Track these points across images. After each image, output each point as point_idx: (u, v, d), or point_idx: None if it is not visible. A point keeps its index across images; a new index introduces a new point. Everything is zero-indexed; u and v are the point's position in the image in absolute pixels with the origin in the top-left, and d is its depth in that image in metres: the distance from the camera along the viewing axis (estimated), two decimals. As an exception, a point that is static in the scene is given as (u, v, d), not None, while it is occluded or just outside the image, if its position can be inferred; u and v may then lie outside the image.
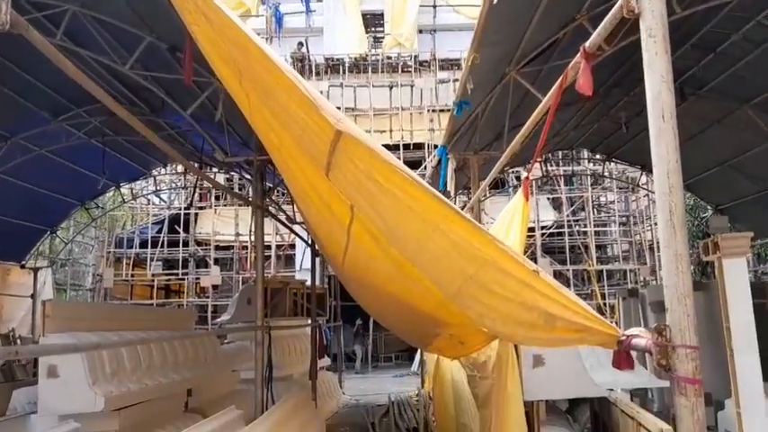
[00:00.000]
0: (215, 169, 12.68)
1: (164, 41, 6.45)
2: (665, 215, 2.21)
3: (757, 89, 8.64)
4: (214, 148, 7.69)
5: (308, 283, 10.87)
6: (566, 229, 19.38)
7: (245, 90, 3.48)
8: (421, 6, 19.02)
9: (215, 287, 19.56)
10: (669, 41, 2.47)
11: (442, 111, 17.82)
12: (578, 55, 3.05)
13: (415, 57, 19.04)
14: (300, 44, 18.30)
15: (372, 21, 19.96)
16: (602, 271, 19.38)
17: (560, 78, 3.23)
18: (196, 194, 19.87)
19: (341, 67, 18.62)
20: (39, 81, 8.27)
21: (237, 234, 19.51)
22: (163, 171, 16.13)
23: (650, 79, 2.46)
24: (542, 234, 19.24)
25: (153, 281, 20.25)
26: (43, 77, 8.13)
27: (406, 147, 17.88)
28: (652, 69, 2.45)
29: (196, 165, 10.37)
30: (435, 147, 17.36)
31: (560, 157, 16.27)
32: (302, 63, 18.03)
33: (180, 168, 15.76)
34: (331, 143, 2.88)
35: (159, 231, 20.33)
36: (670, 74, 2.47)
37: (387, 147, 18.36)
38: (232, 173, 13.74)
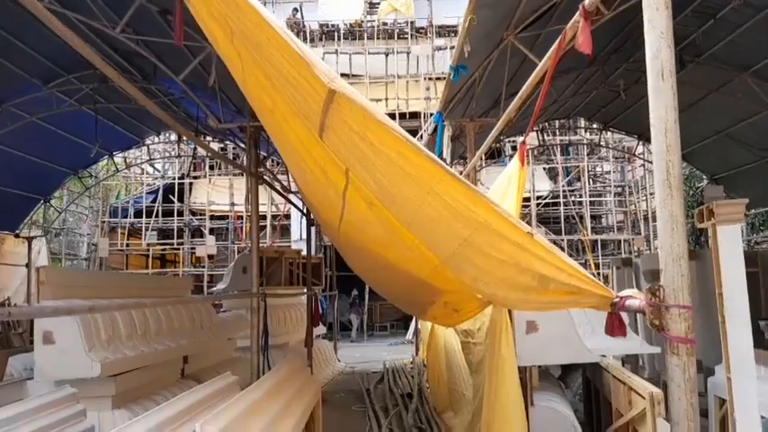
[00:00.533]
0: (209, 138, 12.55)
1: (154, 4, 6.31)
2: (662, 175, 2.19)
3: (757, 56, 8.55)
4: (207, 115, 7.59)
5: (304, 252, 10.89)
6: (561, 200, 19.41)
7: (237, 50, 3.39)
8: (418, -29, 18.65)
9: (210, 257, 19.59)
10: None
11: (438, 79, 17.59)
12: (577, 14, 2.98)
13: (412, 23, 18.74)
14: (295, 10, 17.98)
15: (368, -15, 19.59)
16: (596, 241, 19.49)
17: (558, 38, 3.16)
18: (190, 163, 19.74)
19: (336, 34, 18.33)
20: (28, 47, 8.11)
21: (232, 204, 19.46)
22: (156, 140, 15.97)
23: (650, 36, 2.40)
24: (538, 204, 19.26)
25: (148, 250, 20.25)
26: (33, 43, 7.97)
27: (402, 116, 17.72)
28: (652, 25, 2.39)
29: (191, 132, 10.25)
30: (431, 115, 17.25)
31: (557, 126, 16.17)
32: (297, 30, 17.72)
33: (173, 137, 15.61)
34: (324, 103, 2.81)
35: (154, 201, 20.25)
36: (670, 30, 2.42)
37: (382, 115, 18.09)
38: (226, 141, 13.62)
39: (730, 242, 5.23)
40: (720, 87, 9.58)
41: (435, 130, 8.00)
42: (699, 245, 15.69)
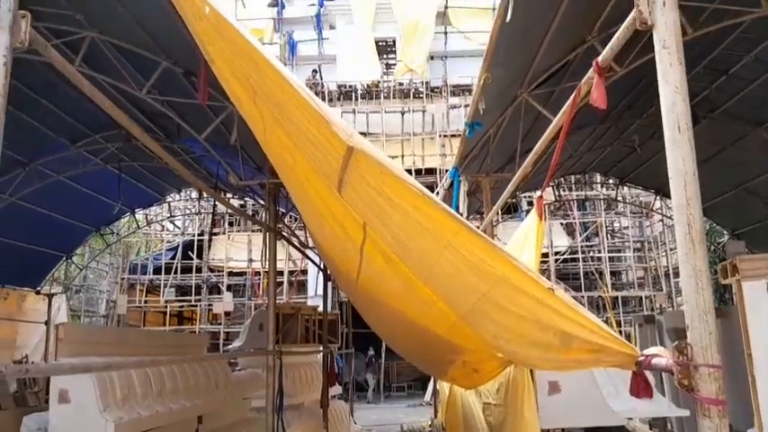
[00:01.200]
0: (229, 195, 12.77)
1: (179, 66, 6.56)
2: (683, 228, 2.16)
3: (771, 111, 8.59)
4: (228, 172, 7.74)
5: (320, 309, 10.80)
6: (579, 255, 19.18)
7: (260, 109, 3.49)
8: (434, 33, 19.25)
9: (227, 314, 19.51)
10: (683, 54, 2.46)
11: (453, 136, 17.89)
12: (591, 70, 3.04)
13: (427, 83, 19.21)
14: (314, 71, 18.56)
15: (384, 48, 20.23)
16: (617, 297, 19.09)
17: (573, 94, 3.21)
18: (210, 220, 19.98)
19: (353, 94, 18.82)
20: (57, 107, 8.43)
21: (250, 260, 19.53)
22: (177, 197, 16.26)
23: (664, 91, 2.43)
24: (556, 260, 19.04)
25: (166, 307, 20.26)
26: (62, 103, 8.29)
27: (418, 172, 17.90)
28: (666, 81, 2.42)
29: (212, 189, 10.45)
30: (447, 171, 17.40)
31: (573, 181, 16.19)
32: (316, 90, 18.25)
33: (194, 194, 15.89)
34: (343, 159, 2.87)
35: (173, 258, 20.41)
36: (684, 84, 2.44)
37: (399, 172, 18.19)
38: (246, 199, 13.81)
39: (756, 298, 5.09)
40: (735, 142, 9.58)
41: (451, 185, 8.05)
42: (723, 302, 15.29)
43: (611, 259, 19.95)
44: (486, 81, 4.81)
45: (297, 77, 2.89)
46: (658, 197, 14.53)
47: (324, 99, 18.33)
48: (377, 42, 19.53)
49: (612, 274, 20.27)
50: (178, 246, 20.70)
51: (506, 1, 3.33)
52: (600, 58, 2.95)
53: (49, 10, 5.76)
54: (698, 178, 2.22)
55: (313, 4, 19.41)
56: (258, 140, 4.11)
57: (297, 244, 10.41)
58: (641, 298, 19.07)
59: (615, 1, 4.73)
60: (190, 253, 20.32)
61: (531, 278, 2.57)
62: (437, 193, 13.65)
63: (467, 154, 7.34)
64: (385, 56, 20.26)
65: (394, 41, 19.81)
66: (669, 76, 2.43)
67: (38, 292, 14.15)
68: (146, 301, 20.61)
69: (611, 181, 14.82)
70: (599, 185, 17.33)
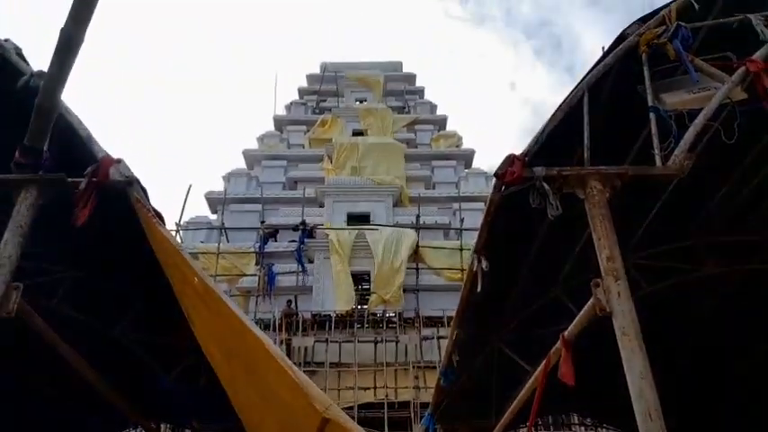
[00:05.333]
0: None
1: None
2: None
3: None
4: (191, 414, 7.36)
5: None
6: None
7: (233, 370, 3.49)
8: (406, 269, 20.18)
9: None
10: (643, 339, 2.62)
11: (427, 367, 17.66)
12: (559, 342, 3.18)
13: (400, 314, 19.53)
14: (289, 302, 18.88)
15: (359, 278, 20.96)
16: None
17: (543, 363, 3.31)
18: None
19: (327, 323, 18.90)
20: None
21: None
22: None
23: (631, 377, 2.54)
24: None
25: None
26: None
27: (391, 405, 17.19)
28: (630, 368, 2.55)
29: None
30: (421, 405, 16.73)
31: (550, 421, 15.63)
32: (290, 319, 18.36)
33: None
34: (317, 429, 2.82)
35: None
36: (648, 371, 2.56)
37: (371, 405, 17.48)
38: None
39: None
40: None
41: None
42: None
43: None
44: (458, 336, 4.95)
45: (277, 348, 2.97)
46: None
47: (298, 327, 18.36)
48: (352, 274, 20.31)
49: None
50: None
51: (475, 275, 3.62)
52: (566, 334, 3.12)
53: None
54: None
55: (294, 241, 20.55)
56: (228, 395, 4.02)
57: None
58: None
59: (574, 260, 5.12)
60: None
61: None
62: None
63: (441, 401, 7.19)
64: (359, 287, 20.92)
65: (368, 274, 20.64)
66: (633, 363, 2.56)
67: None
68: None
69: (588, 421, 14.36)
70: (577, 426, 16.71)
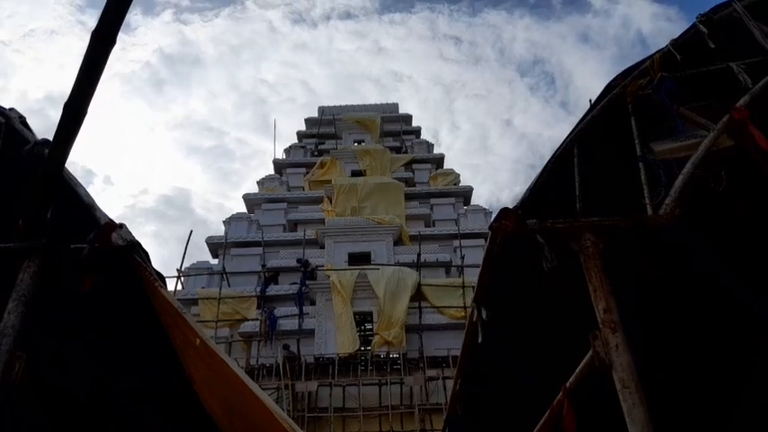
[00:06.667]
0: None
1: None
2: None
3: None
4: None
5: None
6: None
7: (234, 425, 3.49)
8: (408, 308, 20.07)
9: None
10: (643, 393, 2.63)
11: (432, 410, 17.41)
12: (561, 393, 3.18)
13: (404, 355, 19.33)
14: (286, 346, 18.70)
15: (362, 320, 20.83)
16: None
17: (546, 414, 3.30)
18: None
19: (330, 367, 18.70)
20: None
21: None
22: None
23: (633, 430, 2.54)
24: None
25: None
26: None
27: (398, 453, 16.91)
28: (632, 420, 2.55)
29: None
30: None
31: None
32: (293, 363, 18.16)
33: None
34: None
35: None
36: (649, 423, 2.56)
37: (378, 455, 16.92)
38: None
39: None
40: None
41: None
42: None
43: None
44: (461, 385, 4.93)
45: (277, 407, 2.98)
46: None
47: (301, 372, 18.15)
48: (354, 315, 20.20)
49: None
50: None
51: (475, 325, 3.64)
52: (568, 384, 3.13)
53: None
54: None
55: (295, 283, 20.50)
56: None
57: None
58: None
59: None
60: None
61: None
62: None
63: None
64: (362, 327, 20.78)
65: (371, 314, 20.52)
66: (634, 415, 2.57)
67: None
68: None
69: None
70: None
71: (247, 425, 3.33)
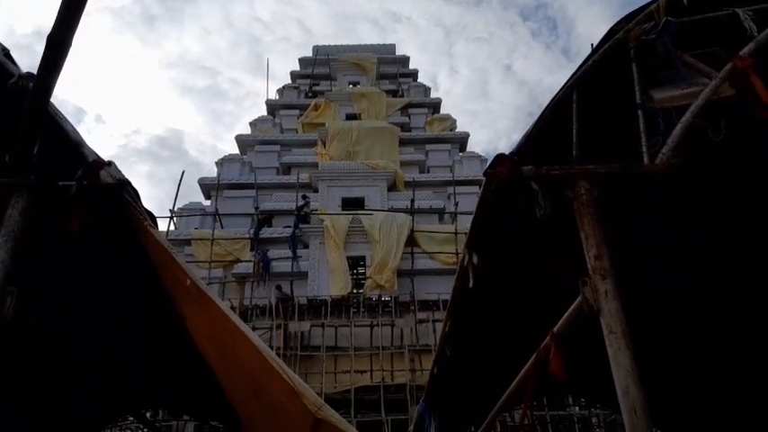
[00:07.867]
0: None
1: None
2: None
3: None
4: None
5: None
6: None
7: (227, 367, 3.55)
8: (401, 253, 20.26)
9: None
10: (630, 337, 2.67)
11: (422, 351, 17.88)
12: (548, 338, 3.24)
13: (396, 298, 19.67)
14: (278, 286, 18.97)
15: (355, 263, 21.05)
16: None
17: (532, 358, 3.37)
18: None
19: (323, 308, 19.03)
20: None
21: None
22: None
23: (617, 374, 2.59)
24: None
25: None
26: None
27: (387, 389, 17.43)
28: (617, 364, 2.60)
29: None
30: (417, 388, 16.93)
31: (545, 402, 15.87)
32: (286, 304, 18.45)
33: None
34: (310, 428, 2.89)
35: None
36: (635, 369, 2.62)
37: (368, 388, 17.67)
38: None
39: None
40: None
41: (420, 422, 7.81)
42: None
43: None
44: (450, 328, 5.02)
45: (268, 348, 3.02)
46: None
47: (294, 312, 18.46)
48: (348, 259, 20.38)
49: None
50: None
51: (466, 270, 3.65)
52: (555, 329, 3.18)
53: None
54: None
55: (288, 226, 20.57)
56: (224, 390, 4.08)
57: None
58: None
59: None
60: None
61: None
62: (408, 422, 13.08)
63: (435, 388, 7.27)
64: (355, 271, 21.02)
65: (364, 258, 20.72)
66: (620, 360, 2.61)
67: None
68: None
69: (582, 401, 14.60)
70: (572, 407, 16.99)
71: (238, 363, 3.38)
